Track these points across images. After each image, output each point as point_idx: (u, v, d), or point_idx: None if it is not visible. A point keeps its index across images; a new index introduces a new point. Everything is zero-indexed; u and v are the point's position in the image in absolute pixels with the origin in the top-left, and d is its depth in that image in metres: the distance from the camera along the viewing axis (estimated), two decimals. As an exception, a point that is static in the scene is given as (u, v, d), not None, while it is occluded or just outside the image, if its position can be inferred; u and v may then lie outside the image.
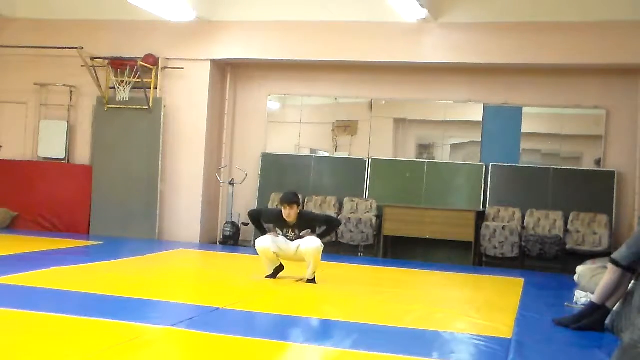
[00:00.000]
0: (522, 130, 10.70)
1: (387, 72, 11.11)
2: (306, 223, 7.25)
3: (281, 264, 7.42)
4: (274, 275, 7.39)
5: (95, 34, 11.36)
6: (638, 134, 10.24)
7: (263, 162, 11.44)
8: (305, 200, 10.93)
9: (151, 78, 11.14)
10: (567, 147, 10.86)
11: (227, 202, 11.42)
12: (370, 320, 5.54)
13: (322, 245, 7.17)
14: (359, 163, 11.15)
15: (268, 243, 7.21)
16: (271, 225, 7.51)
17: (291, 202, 7.07)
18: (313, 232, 7.28)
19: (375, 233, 10.48)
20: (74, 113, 11.77)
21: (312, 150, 11.69)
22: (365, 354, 4.44)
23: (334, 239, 10.42)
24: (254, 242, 11.06)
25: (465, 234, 10.14)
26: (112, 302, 5.78)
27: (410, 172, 10.95)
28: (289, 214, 7.08)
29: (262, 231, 7.54)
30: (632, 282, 5.33)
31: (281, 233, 7.27)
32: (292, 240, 7.21)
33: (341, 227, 10.38)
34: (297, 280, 7.33)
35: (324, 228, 7.39)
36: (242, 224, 11.24)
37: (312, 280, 7.26)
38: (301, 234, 7.22)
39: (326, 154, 11.53)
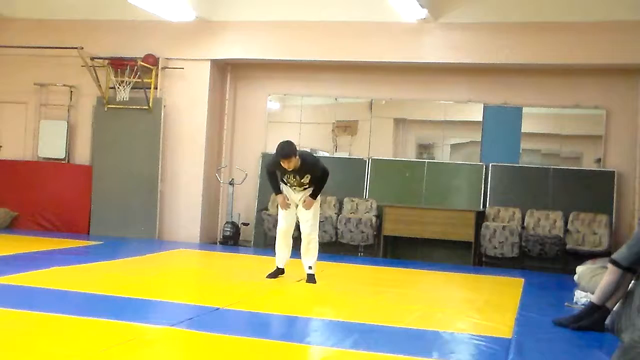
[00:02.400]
0: (522, 130, 10.69)
1: (387, 72, 11.10)
2: (306, 169, 7.21)
3: (282, 268, 7.48)
4: (274, 275, 7.44)
5: (95, 34, 11.36)
6: (638, 134, 10.23)
7: (263, 162, 11.43)
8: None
9: (151, 78, 11.13)
10: (567, 147, 10.85)
11: (227, 202, 11.42)
12: (370, 320, 5.54)
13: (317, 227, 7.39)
14: (359, 163, 11.14)
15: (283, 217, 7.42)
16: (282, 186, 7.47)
17: (288, 156, 7.04)
18: (312, 177, 7.24)
19: (375, 233, 10.48)
20: (74, 113, 11.77)
21: (312, 150, 11.65)
22: (365, 354, 4.44)
23: (333, 239, 10.45)
24: (254, 242, 11.24)
25: (465, 234, 10.14)
26: (112, 302, 5.78)
27: (410, 172, 10.96)
28: (289, 165, 7.09)
29: (276, 185, 7.45)
30: (632, 282, 5.33)
31: (284, 179, 7.30)
32: (293, 188, 7.30)
33: (341, 227, 10.41)
34: (297, 281, 7.35)
35: (318, 184, 7.33)
36: (242, 224, 11.25)
37: (312, 280, 7.27)
38: (302, 181, 7.22)
39: (326, 154, 11.50)
